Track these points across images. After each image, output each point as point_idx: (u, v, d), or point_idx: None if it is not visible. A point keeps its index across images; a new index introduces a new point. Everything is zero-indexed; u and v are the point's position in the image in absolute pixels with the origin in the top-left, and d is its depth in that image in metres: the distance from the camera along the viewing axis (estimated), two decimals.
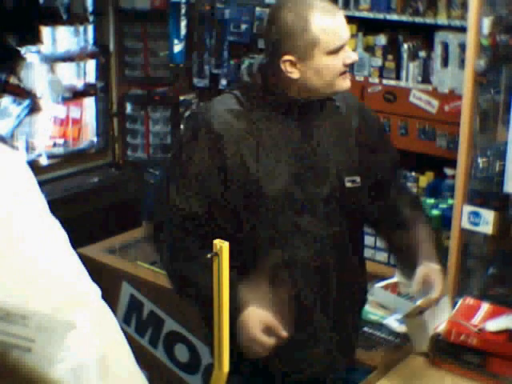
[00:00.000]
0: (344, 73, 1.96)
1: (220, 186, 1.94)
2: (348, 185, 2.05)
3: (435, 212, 2.98)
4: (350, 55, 1.96)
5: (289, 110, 1.99)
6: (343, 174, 2.05)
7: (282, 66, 1.93)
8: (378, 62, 3.27)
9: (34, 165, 3.97)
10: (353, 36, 3.34)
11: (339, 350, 2.16)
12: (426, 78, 3.16)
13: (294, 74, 1.93)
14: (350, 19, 3.34)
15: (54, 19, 4.03)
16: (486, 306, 2.27)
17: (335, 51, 1.92)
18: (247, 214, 1.97)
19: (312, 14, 1.90)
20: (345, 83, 1.98)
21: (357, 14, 3.31)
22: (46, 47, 4.08)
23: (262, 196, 1.96)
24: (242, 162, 1.94)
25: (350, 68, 3.37)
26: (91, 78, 4.40)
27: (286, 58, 1.92)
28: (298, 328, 2.01)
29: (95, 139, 4.53)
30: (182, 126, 3.93)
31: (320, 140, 2.03)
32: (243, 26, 3.77)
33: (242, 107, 1.98)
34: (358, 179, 2.06)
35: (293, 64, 1.92)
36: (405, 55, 3.20)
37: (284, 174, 1.98)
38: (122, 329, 0.97)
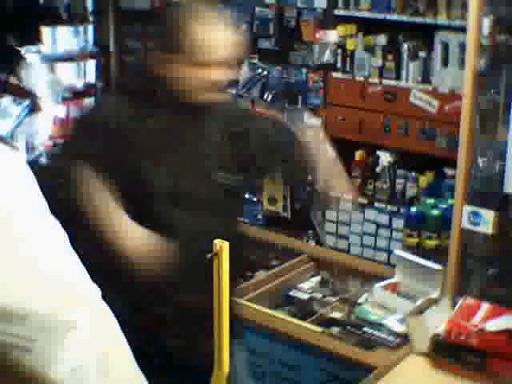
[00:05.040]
0: (213, 89, 1.96)
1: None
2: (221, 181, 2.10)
3: (435, 212, 2.98)
4: (219, 74, 1.95)
5: (173, 110, 1.99)
6: (218, 171, 2.10)
7: (155, 62, 1.96)
8: (378, 61, 3.27)
9: (33, 165, 3.96)
10: (353, 36, 3.35)
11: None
12: (426, 78, 3.16)
13: (167, 72, 1.95)
14: (350, 19, 3.35)
15: (54, 19, 4.03)
16: (485, 306, 2.27)
17: (205, 64, 1.92)
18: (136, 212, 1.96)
19: (196, 21, 1.91)
20: (211, 96, 1.99)
21: (357, 14, 3.31)
22: (46, 47, 4.07)
23: (149, 194, 1.97)
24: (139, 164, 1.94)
25: (351, 68, 3.39)
26: (91, 78, 4.40)
27: (162, 55, 1.94)
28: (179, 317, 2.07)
29: None
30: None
31: (202, 140, 2.06)
32: (243, 26, 3.77)
33: (130, 109, 1.96)
34: (232, 176, 2.13)
35: (165, 62, 1.94)
36: (405, 55, 3.20)
37: (172, 173, 1.99)
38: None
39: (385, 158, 3.34)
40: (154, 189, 1.98)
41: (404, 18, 3.14)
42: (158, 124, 1.99)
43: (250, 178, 2.37)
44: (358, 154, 3.46)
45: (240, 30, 2.02)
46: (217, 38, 1.93)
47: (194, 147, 2.05)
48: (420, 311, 2.32)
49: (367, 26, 3.34)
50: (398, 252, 2.94)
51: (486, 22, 2.40)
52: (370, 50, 3.31)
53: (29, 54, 3.87)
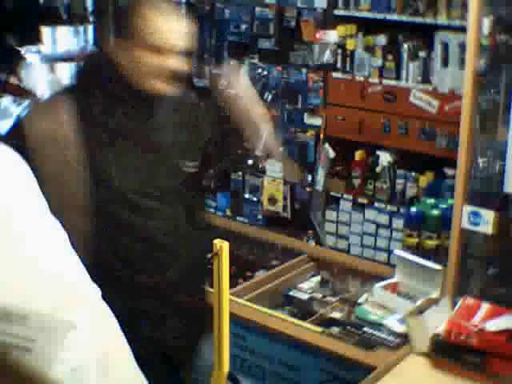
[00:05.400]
0: (164, 77, 2.01)
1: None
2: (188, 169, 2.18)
3: (435, 212, 2.98)
4: (171, 62, 2.00)
5: (127, 100, 2.04)
6: (178, 159, 2.17)
7: (111, 49, 2.01)
8: (378, 61, 3.27)
9: None
10: (353, 36, 3.35)
11: (188, 325, 2.20)
12: (426, 78, 3.16)
13: (122, 59, 2.00)
14: (350, 19, 3.35)
15: (53, 19, 4.03)
16: (485, 306, 2.27)
17: (158, 51, 1.97)
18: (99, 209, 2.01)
19: (151, 8, 1.99)
20: (161, 86, 2.02)
21: (357, 14, 3.31)
22: (46, 47, 4.08)
23: (114, 189, 2.01)
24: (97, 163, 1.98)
25: (351, 68, 3.39)
26: None
27: (117, 41, 2.01)
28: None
29: None
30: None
31: (159, 129, 2.12)
32: (243, 26, 3.77)
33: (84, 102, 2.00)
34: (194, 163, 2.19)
35: (121, 48, 2.00)
36: (405, 55, 3.19)
37: (131, 165, 2.04)
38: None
39: (385, 158, 3.34)
40: (116, 181, 2.02)
41: (404, 18, 3.14)
42: (114, 115, 2.03)
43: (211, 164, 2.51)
44: (358, 154, 3.46)
45: (191, 24, 2.11)
46: (170, 25, 2.00)
47: (151, 136, 2.10)
48: (420, 311, 2.33)
49: (367, 26, 3.34)
50: (398, 252, 2.94)
51: (486, 22, 2.40)
52: (370, 50, 3.31)
53: (29, 54, 3.87)
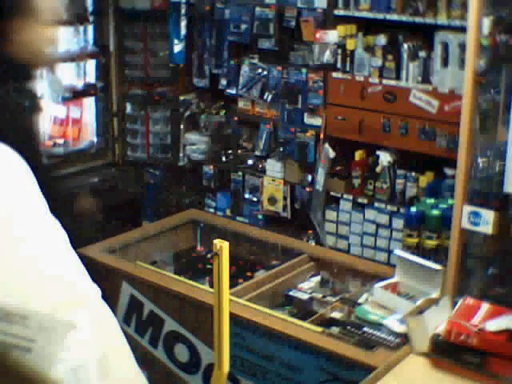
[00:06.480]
0: (50, 45, 2.29)
1: None
2: None
3: (435, 212, 2.98)
4: (55, 32, 2.30)
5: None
6: None
7: (10, 28, 2.19)
8: (378, 62, 3.27)
9: None
10: (353, 36, 3.35)
11: None
12: (426, 78, 3.16)
13: (18, 36, 2.19)
14: (350, 19, 3.35)
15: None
16: (486, 306, 2.27)
17: (48, 23, 2.22)
18: None
19: None
20: (45, 55, 2.30)
21: (357, 14, 3.31)
22: None
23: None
24: None
25: (351, 68, 3.39)
26: (91, 78, 4.40)
27: (14, 19, 2.19)
28: None
29: (95, 139, 4.53)
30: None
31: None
32: (243, 26, 3.77)
33: None
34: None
35: (17, 26, 2.19)
36: (405, 55, 3.20)
37: None
38: (122, 329, 0.97)
39: (385, 158, 3.34)
40: None
41: (404, 18, 3.14)
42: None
43: None
44: (358, 154, 3.46)
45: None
46: (53, 1, 2.30)
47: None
48: (420, 311, 2.32)
49: (367, 26, 3.34)
50: (398, 252, 2.94)
51: (486, 22, 2.40)
52: (370, 50, 3.31)
53: None
